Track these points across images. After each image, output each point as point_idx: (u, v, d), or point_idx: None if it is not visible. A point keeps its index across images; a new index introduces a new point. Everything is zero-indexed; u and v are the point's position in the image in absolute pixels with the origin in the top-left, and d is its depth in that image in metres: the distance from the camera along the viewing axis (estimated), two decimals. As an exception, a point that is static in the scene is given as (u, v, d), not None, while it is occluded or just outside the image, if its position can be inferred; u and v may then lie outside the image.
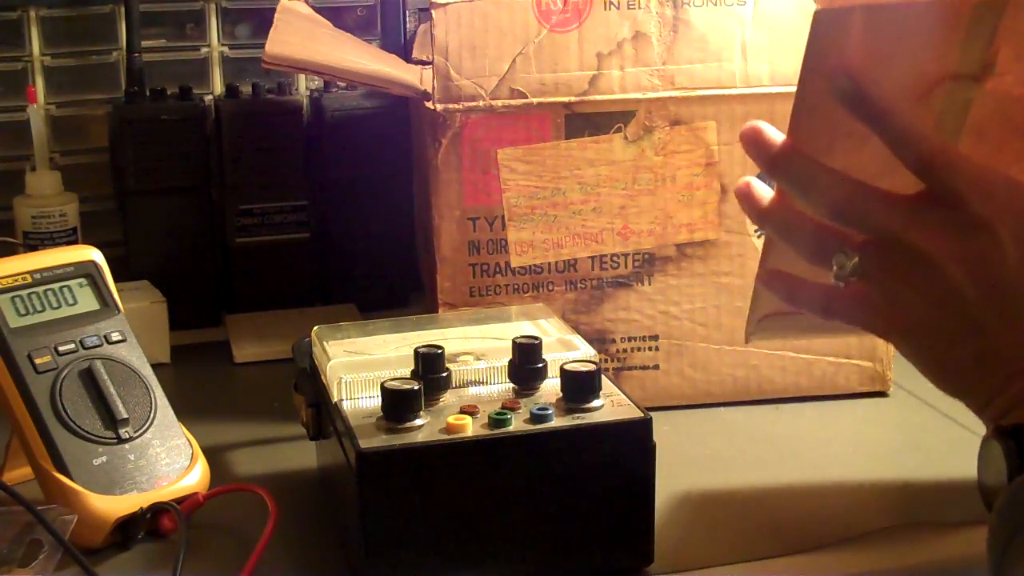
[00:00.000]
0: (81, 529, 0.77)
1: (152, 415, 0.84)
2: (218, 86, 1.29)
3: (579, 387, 0.77)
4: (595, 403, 0.77)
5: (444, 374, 0.78)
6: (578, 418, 0.75)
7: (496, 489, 0.73)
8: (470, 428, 0.74)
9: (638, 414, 0.76)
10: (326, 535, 0.82)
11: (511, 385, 0.80)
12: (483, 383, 0.80)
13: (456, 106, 0.95)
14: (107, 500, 0.79)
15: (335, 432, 0.78)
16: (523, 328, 0.88)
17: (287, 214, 1.23)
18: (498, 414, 0.75)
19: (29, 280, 0.85)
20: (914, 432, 0.98)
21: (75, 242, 1.17)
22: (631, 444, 0.75)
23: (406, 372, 0.78)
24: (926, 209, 0.63)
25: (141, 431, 0.83)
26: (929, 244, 0.63)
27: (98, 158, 1.27)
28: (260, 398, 1.04)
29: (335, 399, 0.78)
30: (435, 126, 0.96)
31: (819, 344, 1.02)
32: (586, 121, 0.96)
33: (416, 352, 0.79)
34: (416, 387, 0.75)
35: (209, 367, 1.13)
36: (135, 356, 0.86)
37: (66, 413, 0.81)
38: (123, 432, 0.82)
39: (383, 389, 0.75)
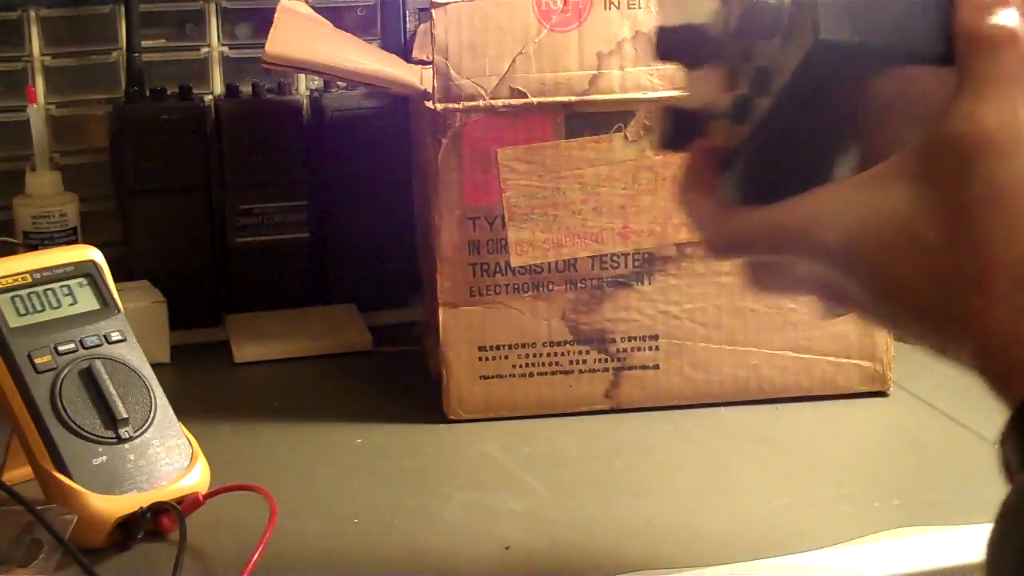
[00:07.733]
0: (81, 529, 0.77)
1: (152, 415, 0.84)
2: (218, 86, 1.29)
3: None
4: None
5: None
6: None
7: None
8: None
9: None
10: (326, 535, 0.82)
11: None
12: None
13: (456, 106, 0.95)
14: (107, 500, 0.79)
15: None
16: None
17: (287, 214, 1.23)
18: None
19: (29, 280, 0.85)
20: (914, 432, 0.98)
21: (75, 242, 1.17)
22: None
23: None
24: None
25: (141, 431, 0.83)
26: None
27: (98, 158, 1.26)
28: (260, 398, 1.04)
29: None
30: (435, 126, 0.96)
31: (819, 344, 1.02)
32: (586, 121, 0.96)
33: None
34: None
35: (209, 367, 1.13)
36: (135, 356, 0.86)
37: (66, 413, 0.81)
38: (123, 432, 0.82)
39: None
